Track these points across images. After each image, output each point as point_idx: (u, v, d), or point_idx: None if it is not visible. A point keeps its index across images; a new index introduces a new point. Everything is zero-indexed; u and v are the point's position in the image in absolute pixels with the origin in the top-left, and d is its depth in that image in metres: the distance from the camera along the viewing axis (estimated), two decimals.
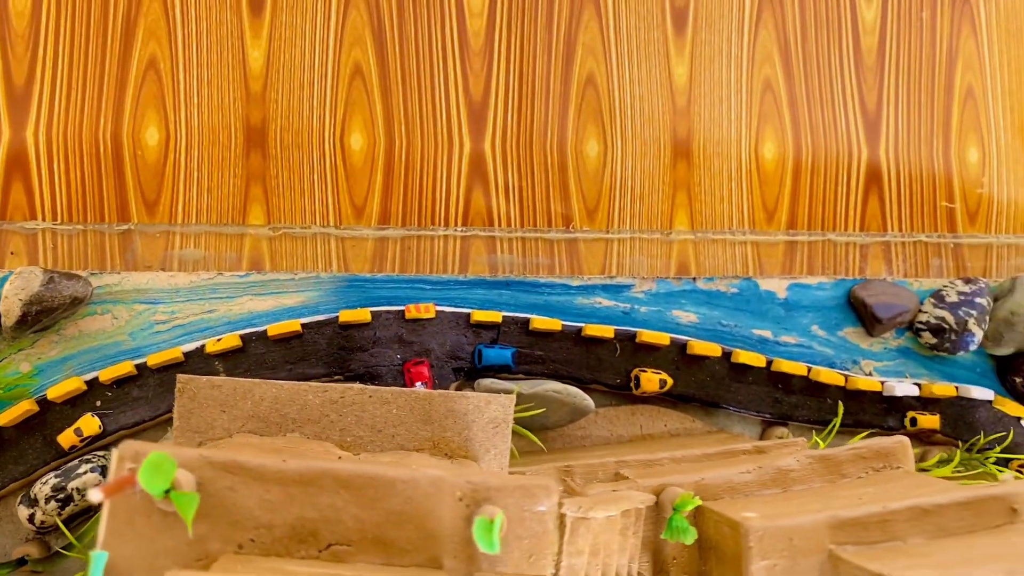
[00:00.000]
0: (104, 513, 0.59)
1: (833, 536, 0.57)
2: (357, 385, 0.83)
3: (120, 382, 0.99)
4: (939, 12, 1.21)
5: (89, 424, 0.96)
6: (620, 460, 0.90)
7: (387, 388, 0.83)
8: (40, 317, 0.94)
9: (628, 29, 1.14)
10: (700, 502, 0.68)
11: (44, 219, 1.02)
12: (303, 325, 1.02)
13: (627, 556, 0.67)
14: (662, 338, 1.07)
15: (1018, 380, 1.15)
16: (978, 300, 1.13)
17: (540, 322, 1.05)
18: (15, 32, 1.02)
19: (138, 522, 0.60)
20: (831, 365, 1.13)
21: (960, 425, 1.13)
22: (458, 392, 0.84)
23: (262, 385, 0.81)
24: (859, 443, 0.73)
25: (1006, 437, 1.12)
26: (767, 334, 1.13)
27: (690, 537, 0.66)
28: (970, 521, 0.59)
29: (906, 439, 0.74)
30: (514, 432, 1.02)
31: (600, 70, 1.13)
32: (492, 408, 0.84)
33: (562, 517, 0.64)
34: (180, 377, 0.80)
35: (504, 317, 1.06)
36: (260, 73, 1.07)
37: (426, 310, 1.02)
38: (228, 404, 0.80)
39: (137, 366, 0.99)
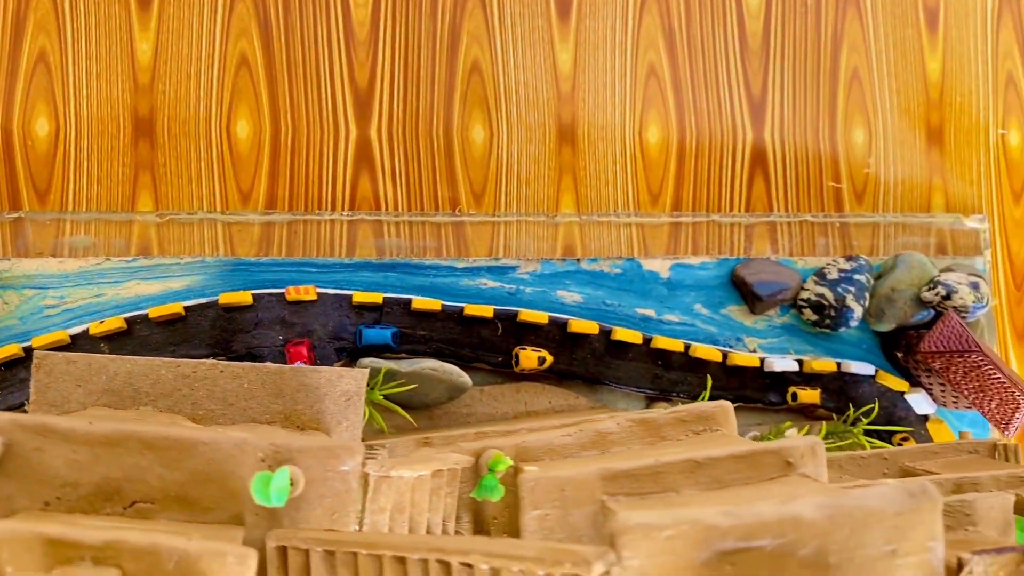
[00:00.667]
0: None
1: (605, 487, 0.60)
2: (210, 360, 0.86)
3: (8, 364, 1.02)
4: None
5: None
6: (480, 431, 0.93)
7: (239, 363, 0.86)
8: None
9: (512, 17, 1.17)
10: (511, 462, 0.70)
11: None
12: (186, 308, 1.05)
13: (440, 515, 0.70)
14: (541, 317, 1.10)
15: (900, 355, 1.17)
16: (857, 277, 1.15)
17: (421, 302, 1.08)
18: None
19: None
20: (715, 343, 1.16)
21: (843, 400, 1.16)
22: (310, 367, 0.87)
23: (117, 360, 0.84)
24: (680, 407, 0.76)
25: (886, 410, 1.15)
26: (651, 313, 1.16)
27: (497, 495, 0.69)
28: (745, 473, 0.61)
29: (727, 403, 0.77)
30: (387, 409, 1.05)
31: (485, 57, 1.16)
32: (344, 381, 0.87)
33: (366, 476, 0.67)
34: (36, 353, 0.83)
35: (385, 298, 1.09)
36: (148, 65, 1.10)
37: (306, 292, 1.05)
38: (83, 379, 0.83)
39: (24, 348, 1.03)
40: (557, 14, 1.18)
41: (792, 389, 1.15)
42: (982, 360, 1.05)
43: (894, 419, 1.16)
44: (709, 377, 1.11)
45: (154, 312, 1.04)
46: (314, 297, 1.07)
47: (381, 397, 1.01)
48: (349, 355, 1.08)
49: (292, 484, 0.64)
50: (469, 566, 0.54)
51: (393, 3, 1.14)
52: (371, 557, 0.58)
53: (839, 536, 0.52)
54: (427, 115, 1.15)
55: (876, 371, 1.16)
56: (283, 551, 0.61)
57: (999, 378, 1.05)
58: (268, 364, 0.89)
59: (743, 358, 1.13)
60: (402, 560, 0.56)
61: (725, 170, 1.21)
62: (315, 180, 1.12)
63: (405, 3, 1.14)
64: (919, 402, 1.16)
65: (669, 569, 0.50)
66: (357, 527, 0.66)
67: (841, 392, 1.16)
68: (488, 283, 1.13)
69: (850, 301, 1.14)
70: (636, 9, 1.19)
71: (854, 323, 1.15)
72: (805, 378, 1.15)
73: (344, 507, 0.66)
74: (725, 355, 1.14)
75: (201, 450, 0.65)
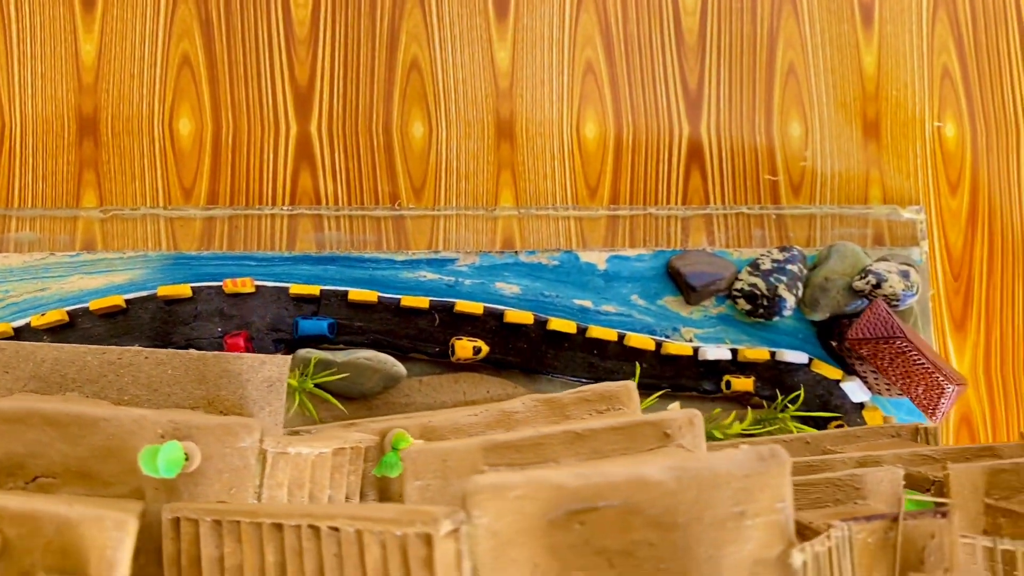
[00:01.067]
0: None
1: (487, 458, 0.62)
2: (135, 347, 0.88)
3: None
4: None
5: None
6: (407, 417, 0.95)
7: (164, 350, 0.88)
8: None
9: (451, 16, 1.20)
10: (412, 440, 0.72)
11: None
12: (127, 301, 1.08)
13: (343, 491, 0.72)
14: (477, 308, 1.12)
15: (834, 344, 1.19)
16: (789, 267, 1.17)
17: (357, 294, 1.11)
18: None
19: None
20: (652, 333, 1.18)
21: (778, 388, 1.17)
22: (233, 353, 0.89)
23: (44, 348, 0.86)
24: (585, 388, 0.78)
25: (822, 398, 1.16)
26: (588, 304, 1.18)
27: (396, 471, 0.71)
28: (624, 444, 0.63)
29: (631, 383, 0.79)
30: (320, 398, 1.07)
31: (424, 55, 1.19)
32: (267, 368, 0.90)
33: (264, 453, 0.69)
34: None
35: (323, 290, 1.11)
36: (92, 65, 1.13)
37: (244, 284, 1.08)
38: (11, 365, 0.86)
39: None
40: (495, 13, 1.21)
41: (726, 378, 1.16)
42: (907, 346, 1.07)
43: (830, 407, 1.18)
44: (638, 364, 1.13)
45: (95, 305, 1.06)
46: (252, 289, 1.09)
47: (313, 386, 1.03)
48: (287, 346, 1.10)
49: (187, 458, 0.66)
50: (336, 529, 0.56)
51: (333, 3, 1.17)
52: (252, 525, 0.60)
53: (687, 497, 0.54)
54: (367, 112, 1.17)
55: (810, 360, 1.18)
56: (177, 523, 0.64)
57: (924, 364, 1.07)
58: (192, 351, 0.91)
59: (677, 347, 1.15)
60: (279, 527, 0.59)
61: (662, 164, 1.23)
62: (256, 176, 1.15)
63: (344, 3, 1.17)
64: (854, 390, 1.18)
65: (518, 527, 0.52)
66: (255, 501, 0.68)
67: (776, 380, 1.17)
68: (427, 275, 1.16)
69: (782, 290, 1.16)
70: (573, 7, 1.22)
71: (787, 312, 1.17)
72: (739, 366, 1.17)
73: (242, 482, 0.68)
74: (659, 344, 1.16)
75: (102, 426, 0.67)
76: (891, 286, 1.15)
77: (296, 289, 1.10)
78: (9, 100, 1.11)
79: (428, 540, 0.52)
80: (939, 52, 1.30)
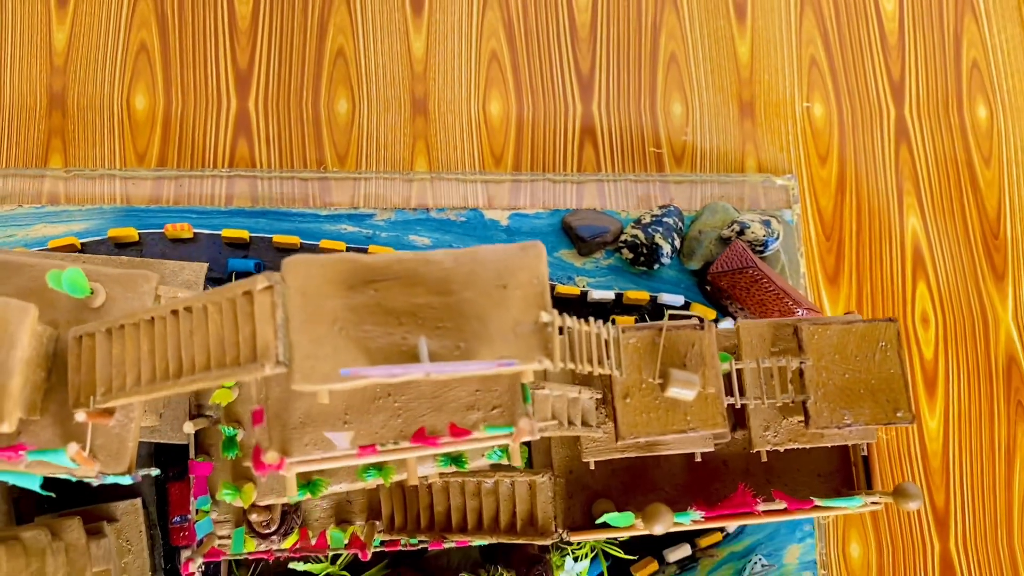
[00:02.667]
0: None
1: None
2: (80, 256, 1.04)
3: None
4: None
5: None
6: None
7: (101, 256, 1.04)
8: None
9: (372, 12, 1.39)
10: None
11: None
12: (82, 243, 1.24)
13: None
14: (387, 251, 1.28)
15: (708, 288, 1.34)
16: (666, 220, 1.33)
17: (282, 239, 1.27)
18: None
19: None
20: None
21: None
22: (156, 259, 1.06)
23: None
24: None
25: None
26: None
27: None
28: None
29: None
30: None
31: (349, 45, 1.38)
32: (185, 272, 1.05)
33: (159, 297, 0.85)
34: None
35: (252, 236, 1.27)
36: (63, 51, 1.33)
37: (183, 229, 1.24)
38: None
39: None
40: (412, 9, 1.40)
41: (612, 317, 1.31)
42: (759, 275, 1.21)
43: None
44: None
45: (53, 244, 1.23)
46: (191, 235, 1.26)
47: None
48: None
49: (92, 292, 0.82)
50: (189, 309, 0.70)
51: (271, 1, 1.37)
52: (132, 324, 0.74)
53: (461, 272, 0.68)
54: (298, 91, 1.36)
55: (686, 302, 1.33)
56: (80, 339, 0.78)
57: (775, 290, 1.21)
58: (123, 257, 1.08)
59: (567, 289, 1.30)
60: (151, 320, 0.73)
61: (559, 138, 1.40)
62: (200, 144, 1.33)
63: (281, 1, 1.37)
64: (726, 327, 1.32)
65: (322, 290, 0.67)
66: None
67: (656, 319, 1.32)
68: (348, 228, 1.32)
69: (659, 239, 1.31)
70: (480, 5, 1.41)
71: (665, 260, 1.32)
72: (624, 308, 1.32)
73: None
74: (552, 287, 1.31)
75: (26, 270, 0.83)
76: (753, 232, 1.30)
77: (228, 233, 1.26)
78: None
79: (250, 297, 0.67)
80: (807, 44, 1.48)
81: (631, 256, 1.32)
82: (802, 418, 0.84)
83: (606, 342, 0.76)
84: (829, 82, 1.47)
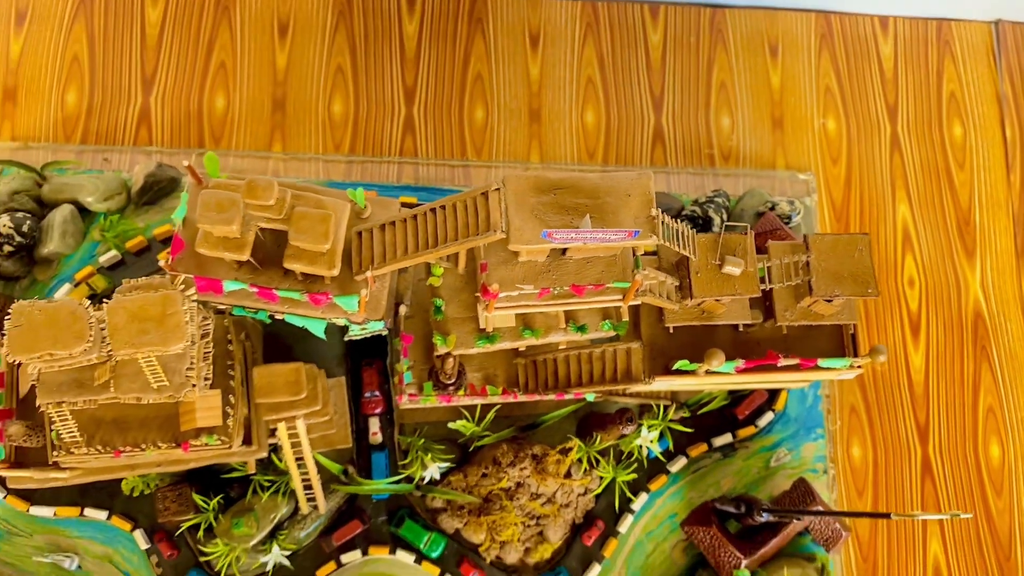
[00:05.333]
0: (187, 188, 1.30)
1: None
2: None
3: None
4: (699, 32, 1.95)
5: None
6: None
7: None
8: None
9: (502, 46, 1.91)
10: None
11: None
12: None
13: None
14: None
15: None
16: (716, 199, 1.81)
17: None
18: None
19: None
20: None
21: None
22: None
23: None
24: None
25: None
26: None
27: None
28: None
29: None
30: None
31: (485, 69, 1.90)
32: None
33: None
34: None
35: (418, 202, 1.77)
36: (283, 69, 1.85)
37: (372, 195, 1.75)
38: None
39: None
40: (530, 44, 1.92)
41: None
42: (783, 234, 1.69)
43: None
44: None
45: None
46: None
47: None
48: None
49: (366, 206, 1.31)
50: (442, 207, 1.19)
51: (429, 36, 1.89)
52: (401, 220, 1.23)
53: (604, 185, 1.17)
54: (448, 102, 1.87)
55: None
56: (359, 234, 1.27)
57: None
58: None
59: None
60: (414, 216, 1.22)
61: (637, 141, 1.90)
62: (378, 139, 1.84)
63: (434, 37, 1.90)
64: None
65: (525, 191, 1.15)
66: None
67: None
68: None
69: (711, 212, 1.79)
70: (580, 42, 1.93)
71: (715, 229, 1.80)
72: None
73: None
74: None
75: (332, 194, 1.33)
76: (781, 208, 1.78)
77: (403, 199, 1.76)
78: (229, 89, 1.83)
79: (486, 197, 1.16)
80: (823, 76, 1.97)
81: (691, 226, 1.80)
82: (811, 302, 1.31)
83: (687, 236, 1.24)
84: (840, 105, 1.96)
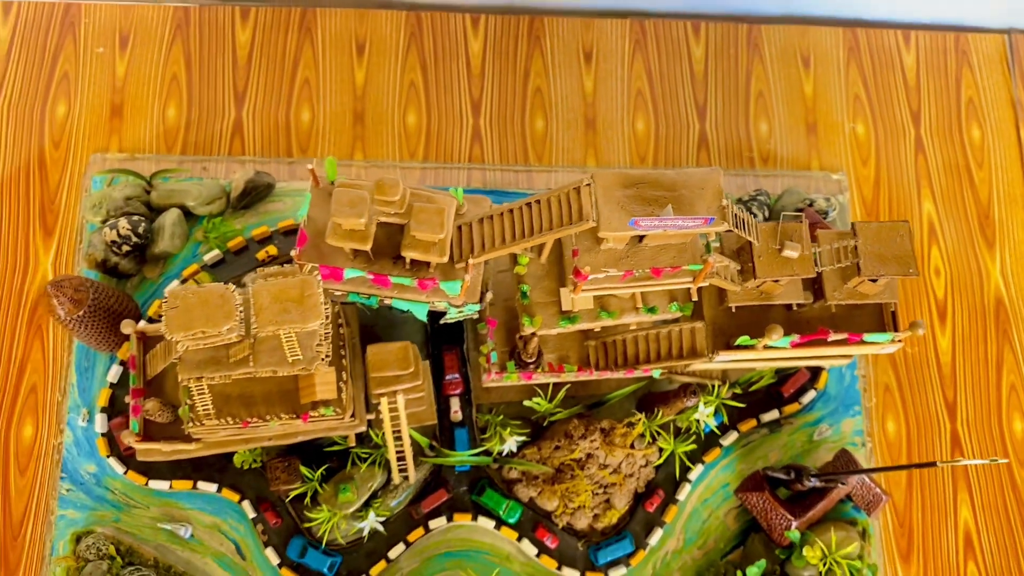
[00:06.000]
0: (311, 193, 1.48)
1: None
2: None
3: None
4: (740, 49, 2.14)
5: None
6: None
7: None
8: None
9: (559, 62, 2.09)
10: None
11: None
12: None
13: None
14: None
15: None
16: (759, 198, 1.98)
17: None
18: None
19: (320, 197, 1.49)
20: None
21: None
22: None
23: None
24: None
25: None
26: None
27: None
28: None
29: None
30: None
31: (544, 84, 2.08)
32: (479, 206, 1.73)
33: None
34: None
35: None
36: (362, 86, 2.04)
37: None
38: None
39: None
40: (583, 59, 2.10)
41: None
42: (821, 226, 1.86)
43: None
44: None
45: None
46: None
47: None
48: None
49: (463, 204, 1.49)
50: (537, 202, 1.37)
51: (492, 55, 2.08)
52: (499, 214, 1.41)
53: (680, 180, 1.34)
54: (510, 113, 2.05)
55: None
56: (459, 228, 1.45)
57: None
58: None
59: None
60: (511, 210, 1.40)
61: (682, 146, 2.08)
62: (449, 146, 2.02)
63: (498, 57, 2.08)
64: None
65: (612, 187, 1.32)
66: None
67: None
68: None
69: (755, 209, 1.97)
70: (630, 57, 2.11)
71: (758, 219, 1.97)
72: None
73: None
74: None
75: (426, 193, 1.51)
76: (818, 205, 1.95)
77: None
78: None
79: (578, 191, 1.34)
80: (852, 85, 2.15)
81: None
82: (858, 282, 1.49)
83: (751, 224, 1.41)
84: (868, 111, 2.14)
